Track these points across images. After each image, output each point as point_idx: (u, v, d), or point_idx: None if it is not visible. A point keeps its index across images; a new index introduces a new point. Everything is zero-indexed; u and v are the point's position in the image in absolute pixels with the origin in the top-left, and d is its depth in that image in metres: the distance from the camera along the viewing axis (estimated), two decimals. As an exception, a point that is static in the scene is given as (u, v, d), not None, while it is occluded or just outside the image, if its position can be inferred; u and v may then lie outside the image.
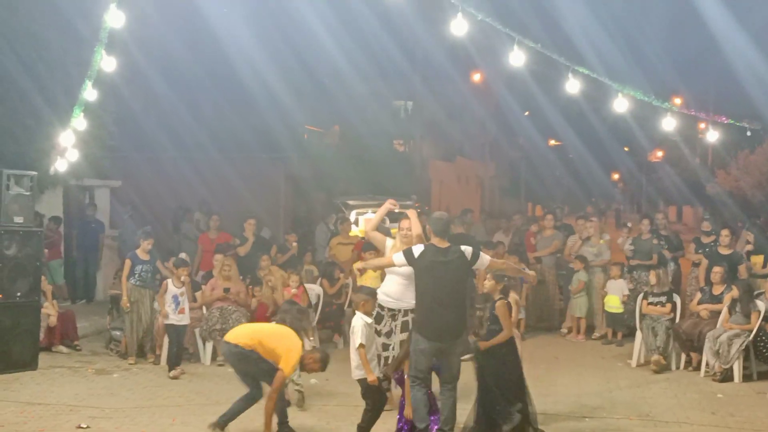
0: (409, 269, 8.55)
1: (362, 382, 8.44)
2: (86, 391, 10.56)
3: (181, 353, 12.08)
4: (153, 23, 15.59)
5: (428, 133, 33.68)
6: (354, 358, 8.46)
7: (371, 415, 8.45)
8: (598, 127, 28.00)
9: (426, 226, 9.82)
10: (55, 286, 15.01)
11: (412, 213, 9.53)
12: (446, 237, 8.31)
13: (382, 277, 9.86)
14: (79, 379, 11.36)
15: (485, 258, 8.46)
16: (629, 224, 17.12)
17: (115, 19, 9.96)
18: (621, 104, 10.91)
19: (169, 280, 12.06)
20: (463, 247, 8.35)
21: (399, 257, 8.32)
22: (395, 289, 9.23)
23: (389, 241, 9.66)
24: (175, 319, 11.88)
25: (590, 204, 20.03)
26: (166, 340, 12.02)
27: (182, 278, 11.97)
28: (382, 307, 9.26)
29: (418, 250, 8.22)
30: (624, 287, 13.82)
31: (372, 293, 9.00)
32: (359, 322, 8.52)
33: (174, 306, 11.89)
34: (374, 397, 8.47)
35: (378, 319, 9.20)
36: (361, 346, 8.38)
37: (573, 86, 10.68)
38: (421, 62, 32.28)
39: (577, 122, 29.41)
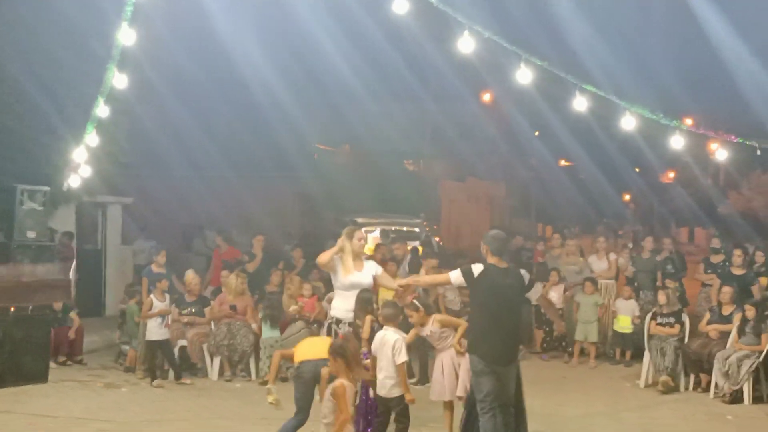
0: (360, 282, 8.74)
1: (396, 400, 8.22)
2: (95, 405, 10.62)
3: (176, 366, 12.36)
4: (166, 42, 15.70)
5: (439, 153, 33.76)
6: (390, 374, 8.20)
7: None
8: (608, 148, 27.99)
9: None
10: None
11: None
12: (504, 256, 8.10)
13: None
14: (88, 393, 11.43)
15: (538, 288, 8.29)
16: (630, 244, 17.01)
17: (126, 36, 10.05)
18: (630, 122, 10.93)
19: (153, 296, 12.30)
20: (522, 271, 8.26)
21: (456, 276, 8.06)
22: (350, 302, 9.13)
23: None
24: (160, 333, 12.13)
25: (602, 224, 19.97)
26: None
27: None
28: (339, 321, 9.13)
29: (477, 269, 7.95)
30: (635, 308, 13.67)
31: (399, 308, 8.90)
32: (396, 336, 8.29)
33: (160, 320, 12.18)
34: (407, 415, 8.31)
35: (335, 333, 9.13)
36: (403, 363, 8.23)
37: (581, 104, 10.73)
38: (433, 83, 32.41)
39: (588, 143, 29.42)
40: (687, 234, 33.96)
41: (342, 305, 9.11)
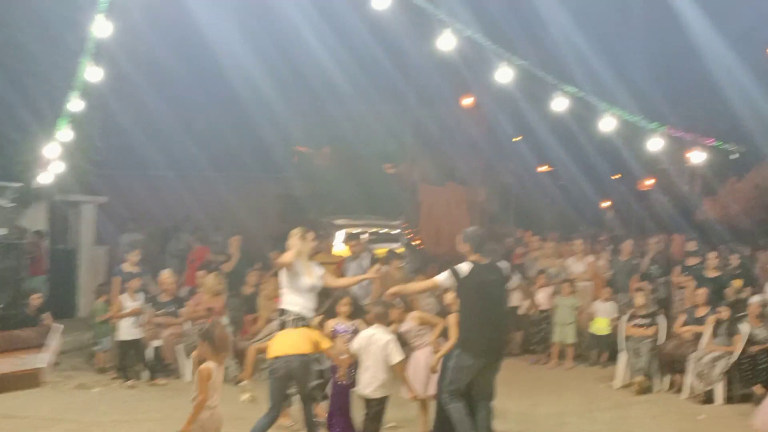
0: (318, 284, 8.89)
1: (378, 401, 8.19)
2: (64, 406, 10.48)
3: (149, 366, 12.28)
4: (144, 35, 15.52)
5: (419, 157, 33.70)
6: (378, 375, 8.17)
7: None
8: (588, 153, 27.98)
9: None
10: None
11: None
12: (483, 253, 8.22)
13: None
14: (57, 393, 11.28)
15: (515, 279, 8.43)
16: (610, 247, 17.03)
17: (102, 29, 9.96)
18: (609, 124, 10.94)
19: (124, 296, 12.18)
20: (501, 264, 8.40)
21: (445, 278, 8.15)
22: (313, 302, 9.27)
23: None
24: (132, 333, 12.09)
25: (578, 231, 19.88)
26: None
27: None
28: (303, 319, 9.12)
29: (464, 268, 8.08)
30: (614, 309, 13.66)
31: (389, 307, 8.83)
32: (387, 336, 8.25)
33: (132, 320, 12.17)
34: (381, 419, 8.28)
35: None
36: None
37: (562, 105, 10.75)
38: (414, 86, 32.35)
39: (568, 148, 29.41)
40: (665, 240, 33.97)
41: (306, 304, 9.09)
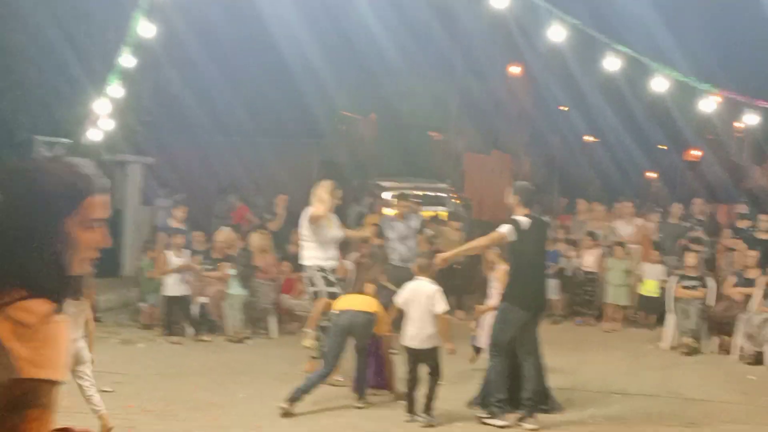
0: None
1: (429, 352, 8.16)
2: (109, 359, 10.49)
3: (194, 322, 12.29)
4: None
5: (464, 126, 33.57)
6: (424, 325, 8.10)
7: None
8: (636, 122, 27.68)
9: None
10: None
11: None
12: (532, 206, 8.31)
13: None
14: (103, 347, 11.28)
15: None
16: (660, 209, 16.82)
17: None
18: (660, 84, 10.73)
19: (169, 252, 12.21)
20: (545, 219, 8.51)
21: (509, 230, 8.12)
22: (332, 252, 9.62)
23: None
24: (178, 289, 12.08)
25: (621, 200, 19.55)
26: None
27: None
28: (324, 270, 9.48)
29: (524, 221, 8.09)
30: (663, 272, 13.51)
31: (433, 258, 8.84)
32: (432, 286, 8.22)
33: (178, 276, 12.20)
34: (440, 370, 8.24)
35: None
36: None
37: (612, 65, 10.58)
38: (461, 55, 32.18)
39: (616, 116, 29.09)
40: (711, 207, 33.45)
41: (325, 255, 9.47)
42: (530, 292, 8.12)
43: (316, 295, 9.49)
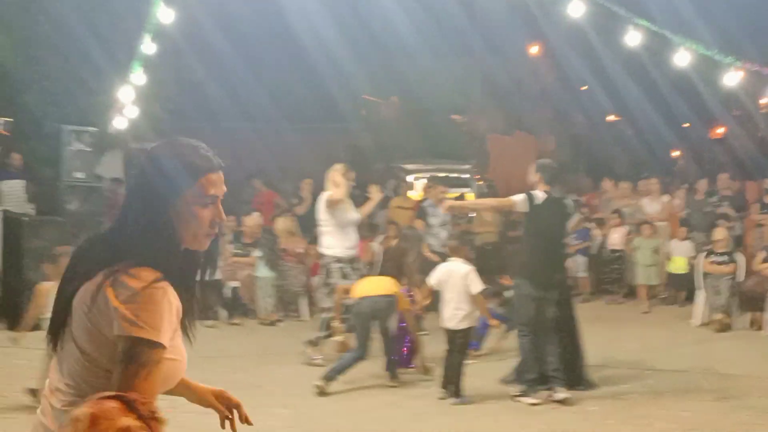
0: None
1: (463, 332, 8.18)
2: (141, 342, 10.63)
3: (227, 306, 12.42)
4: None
5: (487, 108, 33.44)
6: (461, 306, 8.12)
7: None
8: (660, 98, 27.43)
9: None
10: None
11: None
12: (555, 185, 8.27)
13: None
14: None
15: (574, 219, 8.57)
16: (686, 185, 16.72)
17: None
18: (682, 58, 10.65)
19: None
20: (568, 200, 8.54)
21: (522, 199, 8.15)
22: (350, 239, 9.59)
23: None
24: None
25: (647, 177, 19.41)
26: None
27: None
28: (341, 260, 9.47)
29: (539, 196, 8.11)
30: (691, 248, 13.46)
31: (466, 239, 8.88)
32: (466, 266, 8.23)
33: None
34: (466, 350, 8.33)
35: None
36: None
37: (633, 40, 10.51)
38: (481, 37, 32.01)
39: (639, 93, 28.85)
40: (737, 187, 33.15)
41: (344, 242, 9.49)
42: (540, 269, 8.08)
43: (328, 287, 9.50)
